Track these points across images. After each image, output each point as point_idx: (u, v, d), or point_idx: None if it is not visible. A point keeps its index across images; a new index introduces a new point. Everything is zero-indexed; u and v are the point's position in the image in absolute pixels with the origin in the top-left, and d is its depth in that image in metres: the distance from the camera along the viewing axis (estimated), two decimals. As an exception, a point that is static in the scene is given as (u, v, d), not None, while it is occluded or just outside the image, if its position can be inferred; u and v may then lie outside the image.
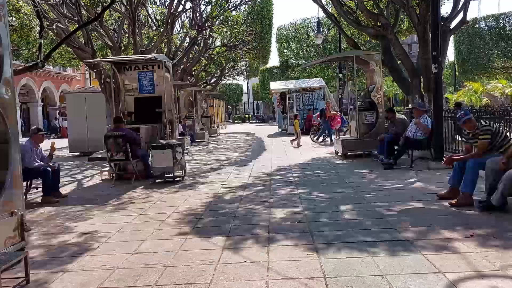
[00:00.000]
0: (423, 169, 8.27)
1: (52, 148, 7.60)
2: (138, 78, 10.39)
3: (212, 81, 29.55)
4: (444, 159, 5.64)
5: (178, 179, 8.73)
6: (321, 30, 22.71)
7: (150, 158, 8.79)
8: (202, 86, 26.99)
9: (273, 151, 13.99)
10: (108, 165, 9.14)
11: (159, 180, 8.65)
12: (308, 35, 29.94)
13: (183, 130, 18.39)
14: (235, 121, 52.51)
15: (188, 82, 24.91)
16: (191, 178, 8.99)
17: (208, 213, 5.71)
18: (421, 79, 10.96)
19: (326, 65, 27.44)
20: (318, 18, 21.79)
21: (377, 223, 4.73)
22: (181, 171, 8.89)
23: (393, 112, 9.69)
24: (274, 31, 27.25)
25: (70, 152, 16.07)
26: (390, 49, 11.55)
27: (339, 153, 11.37)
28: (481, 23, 30.12)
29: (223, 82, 43.86)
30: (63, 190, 8.14)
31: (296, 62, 31.38)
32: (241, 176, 8.75)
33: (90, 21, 10.14)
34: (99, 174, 9.70)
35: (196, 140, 19.71)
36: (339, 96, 20.44)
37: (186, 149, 16.29)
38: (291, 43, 31.00)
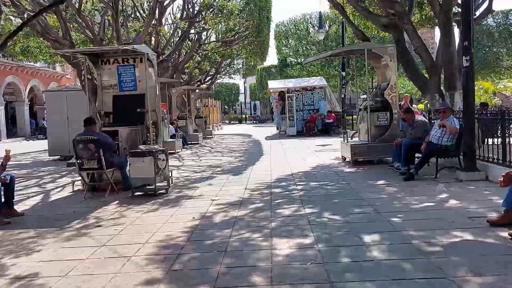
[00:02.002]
0: (451, 180, 6.97)
1: (6, 158, 6.24)
2: (118, 73, 9.06)
3: (207, 79, 28.18)
4: (500, 178, 4.34)
5: (161, 191, 7.42)
6: (323, 25, 21.39)
7: (128, 167, 7.46)
8: (196, 84, 25.63)
9: (272, 155, 12.68)
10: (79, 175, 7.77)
11: (139, 193, 7.33)
12: (308, 32, 28.55)
13: (175, 132, 17.06)
14: (232, 122, 51.18)
15: (181, 80, 23.58)
16: (177, 190, 7.67)
17: (191, 245, 4.38)
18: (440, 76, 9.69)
19: (327, 63, 26.15)
20: (320, 12, 20.51)
21: (421, 267, 3.42)
22: (165, 182, 7.57)
23: (411, 113, 8.39)
24: (273, 25, 25.83)
25: (49, 155, 14.70)
26: (403, 42, 10.25)
27: (347, 159, 10.07)
28: (489, 19, 28.83)
29: (219, 81, 42.53)
30: (23, 206, 6.85)
31: (295, 60, 30.03)
32: (235, 188, 7.43)
33: (52, 4, 8.75)
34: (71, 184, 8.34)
35: (189, 143, 18.37)
36: (342, 96, 19.16)
37: (177, 152, 14.99)
38: (290, 40, 29.61)
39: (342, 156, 10.44)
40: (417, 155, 8.06)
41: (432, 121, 8.69)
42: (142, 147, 7.39)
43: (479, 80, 22.91)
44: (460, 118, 7.49)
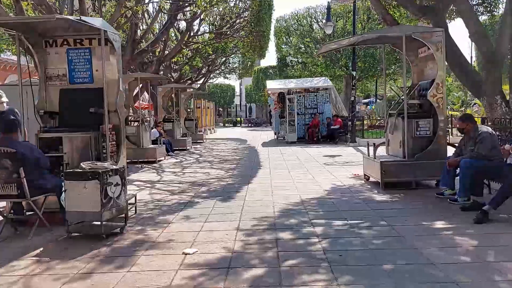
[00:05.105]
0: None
1: None
2: (68, 59, 6.66)
3: (199, 77, 25.68)
4: None
5: (115, 230, 5.00)
6: (331, 19, 19.00)
7: (63, 194, 5.02)
8: (187, 83, 23.13)
9: (272, 169, 10.26)
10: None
11: (77, 234, 4.91)
12: (311, 28, 26.04)
13: (158, 136, 14.60)
14: (226, 125, 48.73)
15: (170, 78, 21.13)
16: (138, 227, 5.25)
17: None
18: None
19: (332, 62, 23.69)
20: (329, 2, 18.03)
21: None
22: (121, 216, 5.14)
23: (471, 122, 6.03)
24: (274, 15, 23.28)
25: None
26: (447, 29, 7.89)
27: (371, 179, 7.72)
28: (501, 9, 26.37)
29: (214, 82, 40.09)
30: None
31: (296, 59, 27.52)
32: (222, 228, 5.01)
33: None
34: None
35: (176, 149, 15.90)
36: (352, 98, 16.79)
37: (159, 161, 12.57)
38: (291, 38, 27.10)
39: (364, 174, 8.06)
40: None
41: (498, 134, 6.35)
42: (85, 164, 4.95)
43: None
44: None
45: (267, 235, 4.71)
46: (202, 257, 4.02)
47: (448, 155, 6.79)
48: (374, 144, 7.56)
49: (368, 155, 7.80)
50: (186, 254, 4.13)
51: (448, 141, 7.06)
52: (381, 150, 8.27)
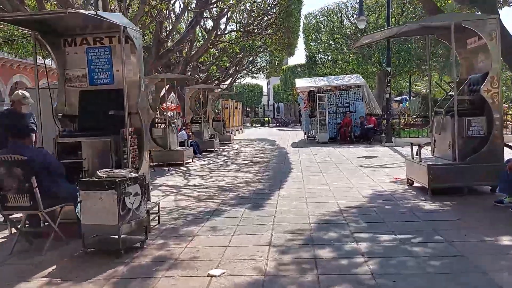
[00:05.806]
0: None
1: None
2: (87, 59, 6.28)
3: (226, 78, 25.28)
4: None
5: (136, 245, 4.54)
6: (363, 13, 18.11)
7: (79, 205, 4.60)
8: (214, 84, 22.75)
9: (304, 172, 9.64)
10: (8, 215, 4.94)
11: (92, 249, 4.47)
12: (342, 24, 25.18)
13: (186, 138, 14.21)
14: (254, 125, 48.27)
15: (198, 78, 20.82)
16: (160, 241, 4.77)
17: None
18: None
19: (365, 58, 22.78)
20: (362, -5, 17.23)
21: None
22: (140, 228, 4.67)
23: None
24: (304, 11, 22.73)
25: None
26: (499, 17, 7.08)
27: (416, 183, 7.00)
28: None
29: (241, 81, 39.72)
30: None
31: (325, 57, 26.69)
32: (252, 244, 4.46)
33: None
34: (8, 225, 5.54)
35: (203, 151, 15.51)
36: (387, 96, 15.90)
37: (186, 164, 12.17)
38: (321, 34, 26.28)
39: (407, 178, 7.34)
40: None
41: None
42: (101, 173, 4.50)
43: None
44: None
45: (304, 252, 4.13)
46: (229, 281, 3.49)
47: (505, 157, 6.04)
48: (419, 145, 6.84)
49: (412, 158, 7.08)
50: (211, 276, 3.61)
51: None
52: (424, 151, 7.56)
